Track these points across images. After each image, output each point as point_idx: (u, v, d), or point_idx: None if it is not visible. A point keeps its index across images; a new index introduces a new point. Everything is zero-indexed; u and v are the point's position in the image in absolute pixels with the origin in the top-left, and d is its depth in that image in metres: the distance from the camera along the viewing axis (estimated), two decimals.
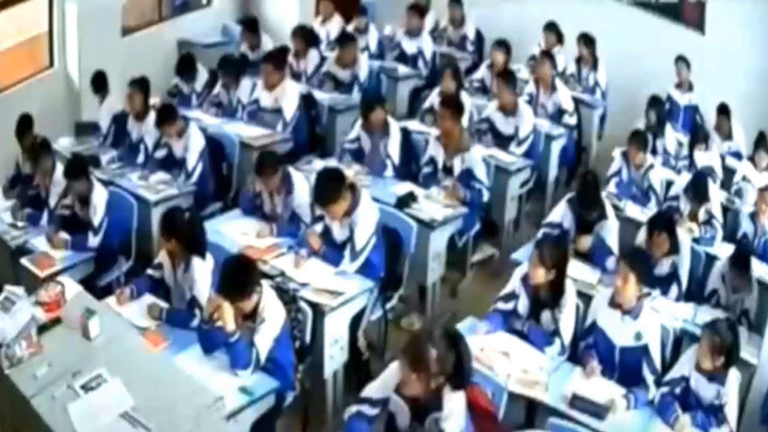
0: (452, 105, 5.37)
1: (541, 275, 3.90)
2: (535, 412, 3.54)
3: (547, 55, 6.97)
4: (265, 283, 3.65)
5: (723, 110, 6.86)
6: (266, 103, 6.23)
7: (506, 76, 6.19)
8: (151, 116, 5.67)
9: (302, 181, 4.78)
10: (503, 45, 7.19)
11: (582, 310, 4.01)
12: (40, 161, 5.02)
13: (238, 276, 3.50)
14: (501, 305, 4.04)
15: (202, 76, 6.92)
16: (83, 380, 3.02)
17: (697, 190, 5.27)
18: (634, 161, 5.70)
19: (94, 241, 4.57)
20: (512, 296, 4.03)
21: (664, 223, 4.63)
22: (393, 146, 5.50)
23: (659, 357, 3.74)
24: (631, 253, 4.12)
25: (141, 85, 5.76)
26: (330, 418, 4.16)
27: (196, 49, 7.86)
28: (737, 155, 6.83)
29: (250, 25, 7.94)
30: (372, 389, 3.27)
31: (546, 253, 3.90)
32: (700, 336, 3.60)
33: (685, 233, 4.88)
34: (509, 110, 6.05)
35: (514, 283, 4.07)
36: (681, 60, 7.22)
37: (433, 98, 6.40)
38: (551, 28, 7.73)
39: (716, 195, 5.53)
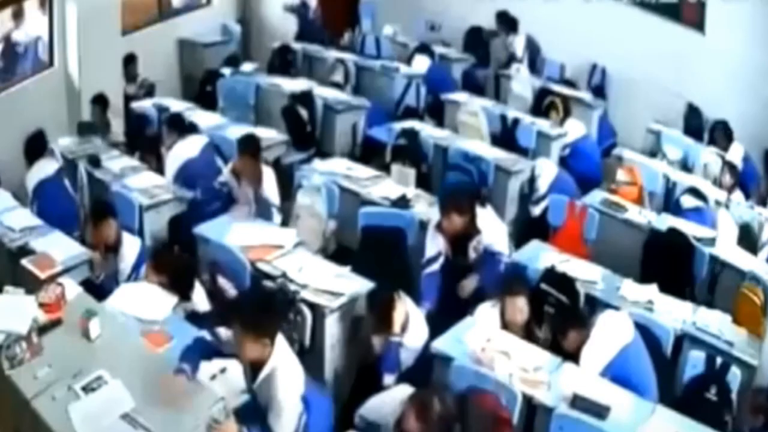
0: None
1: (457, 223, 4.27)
2: (534, 411, 3.53)
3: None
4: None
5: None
6: None
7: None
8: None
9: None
10: None
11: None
12: (101, 227, 4.23)
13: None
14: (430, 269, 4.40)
15: None
16: (84, 381, 3.02)
17: None
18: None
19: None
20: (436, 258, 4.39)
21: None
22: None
23: None
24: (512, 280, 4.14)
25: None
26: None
27: (196, 48, 7.87)
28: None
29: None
30: (370, 412, 3.30)
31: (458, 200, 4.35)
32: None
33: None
34: None
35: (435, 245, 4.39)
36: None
37: None
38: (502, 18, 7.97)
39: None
